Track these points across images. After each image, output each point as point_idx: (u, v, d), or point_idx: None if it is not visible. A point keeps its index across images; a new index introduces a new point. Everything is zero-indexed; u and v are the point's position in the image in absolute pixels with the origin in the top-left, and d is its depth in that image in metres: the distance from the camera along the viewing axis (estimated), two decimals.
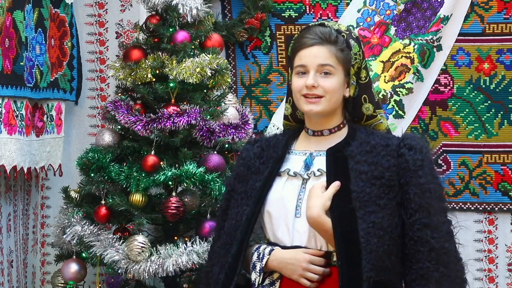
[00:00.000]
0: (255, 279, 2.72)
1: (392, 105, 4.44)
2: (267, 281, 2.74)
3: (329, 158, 2.72)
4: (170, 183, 3.93)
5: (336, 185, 2.66)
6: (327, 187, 2.67)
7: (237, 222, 2.75)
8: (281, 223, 2.73)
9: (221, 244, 2.79)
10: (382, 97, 4.42)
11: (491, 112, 4.44)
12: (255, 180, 2.78)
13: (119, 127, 4.07)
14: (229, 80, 4.18)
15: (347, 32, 2.77)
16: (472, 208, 4.49)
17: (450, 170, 4.49)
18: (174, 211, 3.89)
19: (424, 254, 2.63)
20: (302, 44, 2.72)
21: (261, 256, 2.72)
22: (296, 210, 2.71)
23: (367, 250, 2.59)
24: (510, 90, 4.42)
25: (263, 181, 2.76)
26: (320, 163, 2.74)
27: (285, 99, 2.91)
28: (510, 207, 4.45)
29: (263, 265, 2.71)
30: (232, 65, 4.61)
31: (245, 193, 2.77)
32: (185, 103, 4.00)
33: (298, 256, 2.68)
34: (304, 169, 2.75)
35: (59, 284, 4.21)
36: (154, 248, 3.90)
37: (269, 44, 4.60)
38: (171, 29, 4.05)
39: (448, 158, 4.49)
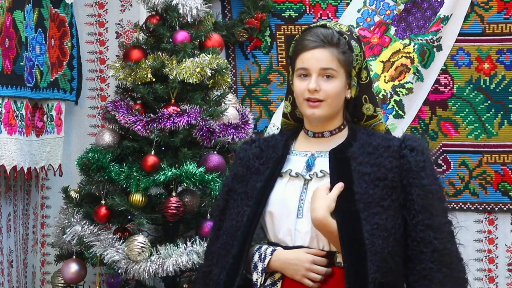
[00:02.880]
0: (256, 279, 2.71)
1: (392, 105, 4.44)
2: (268, 281, 2.73)
3: (332, 159, 2.72)
4: (170, 183, 3.94)
5: (340, 186, 2.66)
6: (330, 189, 2.67)
7: (237, 222, 2.74)
8: (283, 224, 2.72)
9: (220, 244, 2.77)
10: (382, 97, 4.42)
11: (491, 112, 4.44)
12: (255, 181, 2.76)
13: (119, 127, 4.07)
14: (229, 80, 4.18)
15: (349, 33, 2.75)
16: (472, 208, 4.49)
17: (450, 170, 4.48)
18: (174, 211, 3.89)
19: (427, 255, 2.65)
20: (304, 47, 2.70)
21: (262, 256, 2.71)
22: (298, 210, 2.71)
23: (372, 251, 2.59)
24: (510, 90, 4.42)
25: (264, 182, 2.75)
26: (322, 164, 2.74)
27: (285, 97, 2.90)
28: (510, 207, 4.45)
29: (265, 266, 2.70)
30: (232, 65, 4.60)
31: (245, 193, 2.76)
32: (185, 103, 4.00)
33: (301, 256, 2.67)
34: (306, 170, 2.75)
35: (59, 284, 4.21)
36: (154, 248, 3.90)
37: (269, 44, 4.60)
38: (171, 29, 4.05)
39: (448, 158, 4.49)
